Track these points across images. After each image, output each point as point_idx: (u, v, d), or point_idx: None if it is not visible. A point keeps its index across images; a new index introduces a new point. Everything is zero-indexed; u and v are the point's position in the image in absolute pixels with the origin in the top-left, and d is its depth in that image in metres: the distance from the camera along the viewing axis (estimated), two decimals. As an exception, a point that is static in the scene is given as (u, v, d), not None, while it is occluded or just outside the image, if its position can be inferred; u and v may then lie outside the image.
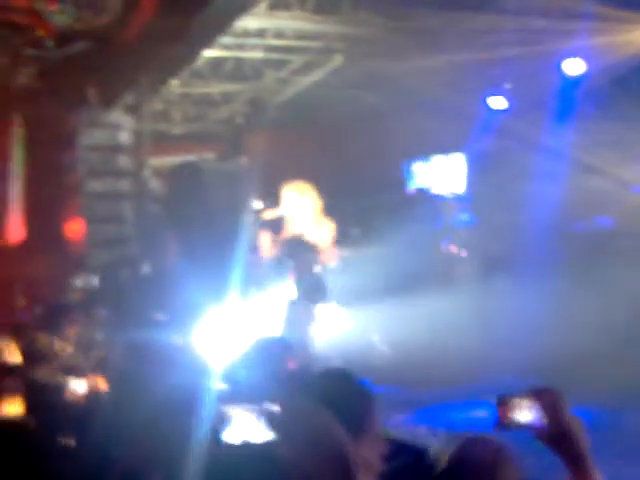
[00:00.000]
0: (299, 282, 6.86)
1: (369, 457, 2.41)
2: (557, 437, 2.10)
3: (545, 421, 2.10)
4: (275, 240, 7.26)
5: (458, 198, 13.39)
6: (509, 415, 2.09)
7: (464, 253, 12.25)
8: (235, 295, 7.12)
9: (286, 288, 7.55)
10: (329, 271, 7.13)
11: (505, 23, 9.89)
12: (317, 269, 6.97)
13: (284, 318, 6.90)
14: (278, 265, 7.49)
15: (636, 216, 10.66)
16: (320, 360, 6.53)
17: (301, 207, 7.14)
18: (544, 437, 2.12)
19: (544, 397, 2.11)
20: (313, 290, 6.80)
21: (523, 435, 2.14)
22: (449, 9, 9.71)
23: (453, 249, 12.22)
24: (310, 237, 7.04)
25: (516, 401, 2.10)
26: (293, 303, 6.79)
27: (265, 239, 7.31)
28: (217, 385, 3.65)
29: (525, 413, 2.09)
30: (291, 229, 7.19)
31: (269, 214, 7.37)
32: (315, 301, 6.81)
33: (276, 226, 7.32)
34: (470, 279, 11.62)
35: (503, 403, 2.11)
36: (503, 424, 2.11)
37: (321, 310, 6.88)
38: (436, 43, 10.48)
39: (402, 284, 9.86)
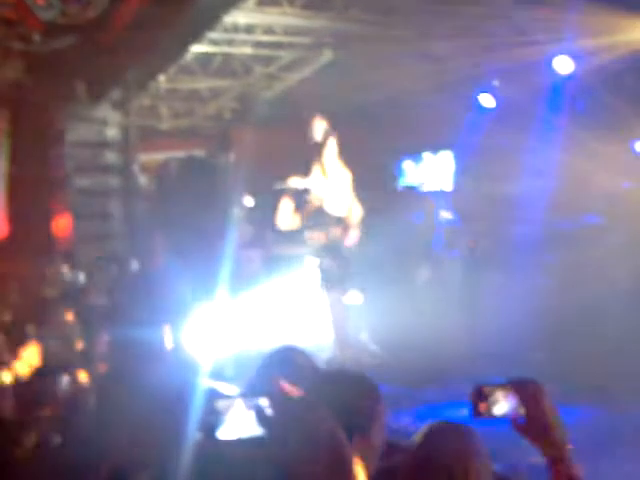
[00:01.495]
0: (326, 270, 6.58)
1: (371, 455, 2.41)
2: (535, 428, 2.09)
3: (523, 412, 2.09)
4: (298, 211, 6.93)
5: (447, 195, 13.41)
6: (487, 405, 2.08)
7: (455, 250, 12.26)
8: (224, 292, 7.09)
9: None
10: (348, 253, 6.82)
11: (495, 20, 9.89)
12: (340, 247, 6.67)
13: (317, 310, 6.65)
14: (295, 237, 7.26)
15: (625, 212, 10.68)
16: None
17: (335, 182, 6.80)
18: (522, 428, 2.11)
19: (523, 388, 2.10)
20: (343, 278, 6.57)
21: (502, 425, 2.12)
22: (439, 5, 9.70)
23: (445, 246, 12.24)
24: (340, 210, 6.72)
25: (494, 391, 2.09)
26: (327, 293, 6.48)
27: (286, 208, 6.96)
28: (207, 382, 3.62)
29: (503, 404, 2.08)
30: (319, 203, 6.83)
31: (296, 182, 6.99)
32: (344, 290, 6.59)
33: (300, 197, 6.99)
34: (460, 277, 11.63)
35: (480, 393, 2.09)
36: (480, 414, 2.09)
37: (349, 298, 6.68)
38: (425, 40, 10.48)
39: (391, 281, 9.84)
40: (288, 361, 3.68)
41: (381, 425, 2.50)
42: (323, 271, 6.61)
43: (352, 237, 6.78)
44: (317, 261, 6.76)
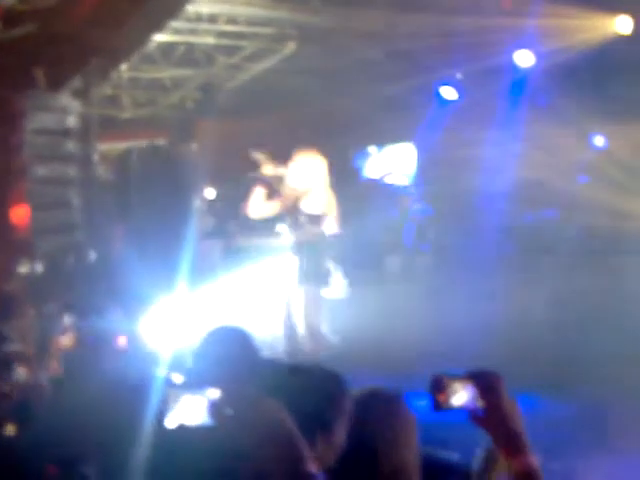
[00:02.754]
0: (305, 264, 6.47)
1: (332, 451, 2.42)
2: (493, 419, 2.09)
3: (481, 403, 2.09)
4: (270, 199, 6.74)
5: (411, 188, 13.49)
6: (445, 396, 2.07)
7: (425, 244, 12.40)
8: (183, 283, 7.05)
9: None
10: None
11: (458, 14, 9.94)
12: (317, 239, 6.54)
13: (289, 302, 6.59)
14: (267, 227, 7.14)
15: (580, 206, 10.83)
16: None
17: (310, 173, 6.62)
18: (480, 419, 2.11)
19: (481, 379, 2.10)
20: (322, 274, 6.48)
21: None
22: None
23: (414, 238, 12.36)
24: (313, 205, 6.58)
25: (452, 382, 2.08)
26: (300, 286, 6.41)
27: (259, 195, 6.76)
28: (164, 373, 3.61)
29: (461, 394, 2.07)
30: (292, 192, 6.63)
31: (269, 169, 6.80)
32: (322, 284, 6.49)
33: (272, 185, 6.80)
34: (428, 270, 11.75)
35: (439, 384, 2.08)
36: (439, 405, 2.08)
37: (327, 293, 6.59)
38: (387, 32, 10.50)
39: (360, 272, 9.89)
40: (226, 340, 3.69)
41: (344, 422, 2.51)
42: (300, 267, 6.55)
43: (331, 228, 6.68)
44: (292, 255, 6.68)
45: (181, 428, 1.89)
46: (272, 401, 1.87)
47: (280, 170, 6.74)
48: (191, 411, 1.88)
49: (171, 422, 1.93)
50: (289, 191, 6.67)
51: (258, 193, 6.75)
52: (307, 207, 6.66)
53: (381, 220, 12.12)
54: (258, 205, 6.78)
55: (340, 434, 2.46)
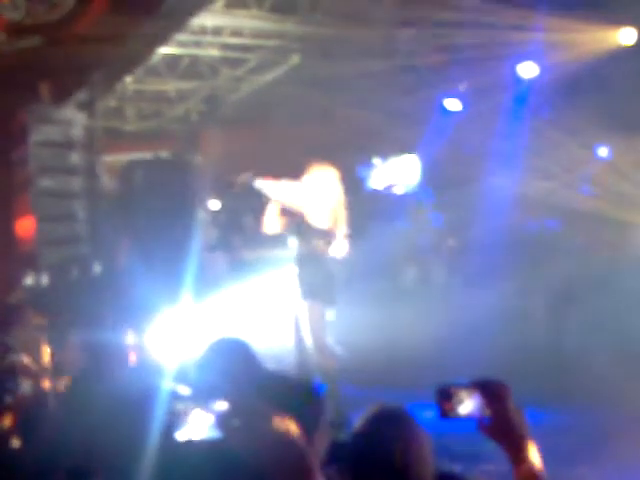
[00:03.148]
0: (308, 278, 6.37)
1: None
2: (499, 428, 2.10)
3: (487, 412, 2.10)
4: (283, 215, 6.66)
5: (424, 198, 13.52)
6: (451, 405, 2.08)
7: (440, 253, 12.42)
8: (188, 295, 7.05)
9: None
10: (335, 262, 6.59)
11: (462, 25, 9.97)
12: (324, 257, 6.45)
13: (295, 318, 6.49)
14: (277, 243, 7.07)
15: (583, 217, 10.82)
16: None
17: (324, 187, 6.53)
18: (486, 428, 2.12)
19: (487, 388, 2.11)
20: (326, 290, 6.40)
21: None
22: (407, 8, 9.77)
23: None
24: (323, 222, 6.47)
25: (459, 391, 2.10)
26: (304, 302, 6.33)
27: (272, 211, 6.67)
28: (170, 385, 3.61)
29: (467, 403, 2.09)
30: (305, 209, 6.54)
31: (283, 187, 6.65)
32: (327, 302, 6.40)
33: (286, 201, 6.68)
34: (443, 281, 11.76)
35: (445, 393, 2.10)
36: (446, 414, 2.10)
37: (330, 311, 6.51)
38: (391, 44, 10.53)
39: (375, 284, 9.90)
40: (227, 351, 3.69)
41: (324, 431, 2.51)
42: (305, 282, 6.46)
43: (339, 248, 6.58)
44: (298, 270, 6.58)
45: (189, 441, 1.89)
46: (280, 414, 1.87)
47: (295, 186, 6.61)
48: (200, 424, 1.89)
49: (181, 435, 1.94)
50: (300, 205, 6.58)
51: (272, 209, 6.67)
52: (317, 222, 6.55)
53: (393, 231, 12.10)
54: (272, 221, 6.70)
55: (321, 441, 2.47)
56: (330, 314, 6.56)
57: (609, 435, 5.49)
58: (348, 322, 7.67)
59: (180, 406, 1.97)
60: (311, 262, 6.45)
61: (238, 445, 1.76)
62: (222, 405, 1.89)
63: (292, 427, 1.87)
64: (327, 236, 6.49)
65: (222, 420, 1.85)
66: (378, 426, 2.51)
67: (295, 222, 6.57)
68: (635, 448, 5.10)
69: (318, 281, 6.41)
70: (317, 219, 6.50)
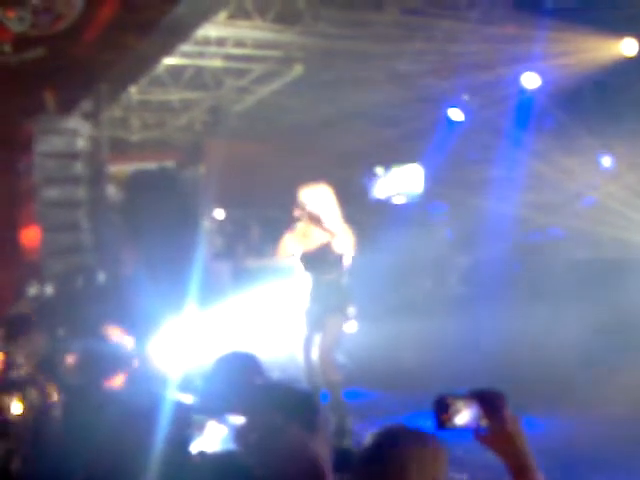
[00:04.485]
0: (324, 297, 6.38)
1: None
2: (497, 438, 2.11)
3: (485, 422, 2.11)
4: (295, 242, 6.65)
5: (436, 209, 13.54)
6: (449, 415, 2.09)
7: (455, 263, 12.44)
8: (193, 304, 7.06)
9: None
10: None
11: (465, 36, 10.01)
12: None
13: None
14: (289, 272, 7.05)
15: (587, 226, 10.84)
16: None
17: (322, 210, 6.54)
18: (484, 438, 2.13)
19: (485, 398, 2.12)
20: (344, 304, 6.42)
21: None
22: (409, 19, 9.82)
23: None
24: (333, 244, 6.47)
25: (456, 402, 2.10)
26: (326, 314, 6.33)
27: (289, 241, 6.67)
28: (177, 395, 3.63)
29: (465, 414, 2.09)
30: (311, 233, 6.54)
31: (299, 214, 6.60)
32: (347, 315, 6.41)
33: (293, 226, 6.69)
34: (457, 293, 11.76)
35: (443, 403, 2.10)
36: (443, 424, 2.10)
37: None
38: (394, 55, 10.57)
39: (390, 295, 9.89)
40: (236, 365, 3.72)
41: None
42: (321, 300, 6.46)
43: (347, 261, 6.58)
44: (313, 291, 6.56)
45: (202, 452, 1.90)
46: (296, 428, 1.88)
47: (303, 211, 6.59)
48: (214, 437, 1.89)
49: (195, 447, 1.95)
50: (305, 228, 6.55)
51: (288, 239, 6.65)
52: (330, 246, 6.52)
53: (406, 242, 12.08)
54: (285, 251, 6.70)
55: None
56: (351, 326, 6.57)
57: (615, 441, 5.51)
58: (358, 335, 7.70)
59: (196, 419, 1.98)
60: (326, 284, 6.46)
61: (254, 460, 1.77)
62: (238, 419, 1.89)
63: (308, 440, 1.88)
64: (338, 265, 6.48)
65: (239, 434, 1.85)
66: (393, 441, 2.49)
67: (309, 255, 6.53)
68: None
69: (334, 297, 6.42)
70: (329, 243, 6.46)
